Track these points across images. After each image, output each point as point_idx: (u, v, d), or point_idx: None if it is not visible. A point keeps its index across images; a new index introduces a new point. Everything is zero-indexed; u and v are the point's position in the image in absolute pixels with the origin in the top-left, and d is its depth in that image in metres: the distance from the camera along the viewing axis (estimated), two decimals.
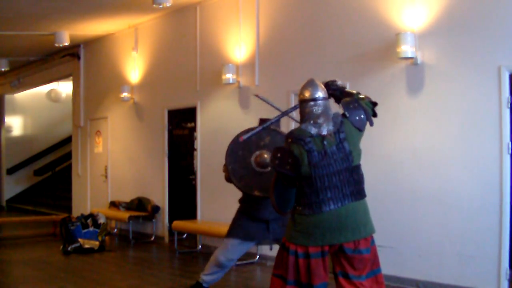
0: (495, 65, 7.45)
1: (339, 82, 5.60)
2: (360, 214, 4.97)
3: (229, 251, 7.25)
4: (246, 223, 7.18)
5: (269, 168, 6.93)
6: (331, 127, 4.95)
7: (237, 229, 7.23)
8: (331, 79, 5.63)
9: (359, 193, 4.99)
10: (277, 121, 6.19)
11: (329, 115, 5.02)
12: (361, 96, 5.33)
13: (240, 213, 7.30)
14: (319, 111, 5.02)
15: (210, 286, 7.47)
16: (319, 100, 5.05)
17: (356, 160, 4.97)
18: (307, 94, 5.08)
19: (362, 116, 5.06)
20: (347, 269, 4.91)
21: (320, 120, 4.98)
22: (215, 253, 7.35)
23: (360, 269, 4.91)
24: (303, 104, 5.11)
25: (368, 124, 5.11)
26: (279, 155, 4.98)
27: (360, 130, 5.04)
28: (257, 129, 5.87)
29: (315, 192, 4.87)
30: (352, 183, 4.93)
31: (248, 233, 7.16)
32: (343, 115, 5.06)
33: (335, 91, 5.52)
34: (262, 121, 6.93)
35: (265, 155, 6.99)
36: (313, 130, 4.94)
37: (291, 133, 5.05)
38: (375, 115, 5.32)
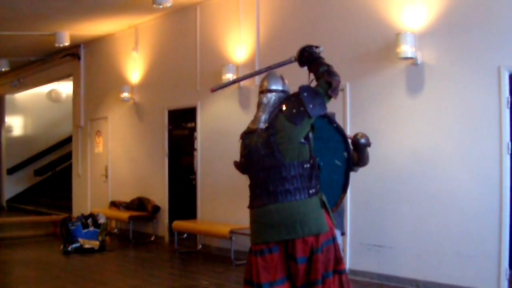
0: (495, 65, 7.45)
1: (314, 49, 5.14)
2: (294, 213, 4.59)
3: None
4: None
5: None
6: (264, 121, 4.82)
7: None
8: (309, 44, 5.24)
9: (294, 192, 4.62)
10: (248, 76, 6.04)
11: (272, 108, 4.87)
12: (322, 71, 4.88)
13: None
14: (264, 102, 4.90)
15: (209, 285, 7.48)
16: (270, 92, 4.91)
17: (290, 157, 4.64)
18: (263, 86, 4.97)
19: (302, 108, 4.66)
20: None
21: (260, 114, 4.88)
22: None
23: (296, 274, 4.63)
24: (258, 95, 5.02)
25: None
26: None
27: (295, 124, 4.66)
28: (228, 82, 5.72)
29: (250, 187, 4.89)
30: (282, 182, 4.62)
31: None
32: (280, 108, 4.80)
33: (307, 59, 5.12)
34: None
35: None
36: (252, 124, 4.91)
37: (244, 131, 5.02)
38: (329, 97, 4.79)
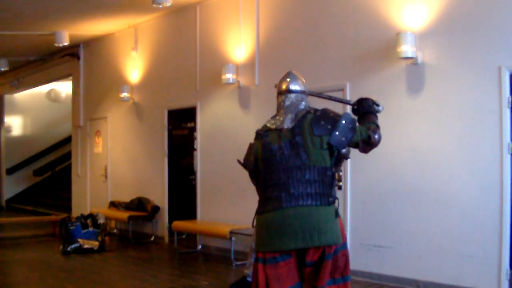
0: (495, 65, 7.44)
1: (375, 106, 5.06)
2: (313, 220, 4.45)
3: None
4: None
5: None
6: (290, 121, 4.70)
7: None
8: (375, 99, 5.11)
9: (315, 197, 4.51)
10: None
11: (297, 108, 4.78)
12: (369, 125, 4.77)
13: None
14: (287, 103, 4.80)
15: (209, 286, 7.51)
16: (291, 92, 4.83)
17: (314, 160, 4.54)
18: (283, 86, 4.88)
19: (329, 127, 4.56)
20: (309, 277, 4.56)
21: (284, 113, 4.77)
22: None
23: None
24: (277, 96, 4.92)
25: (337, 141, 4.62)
26: (247, 150, 4.93)
27: (313, 133, 4.56)
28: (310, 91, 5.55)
29: (264, 189, 4.66)
30: (304, 184, 4.51)
31: None
32: (309, 111, 4.72)
33: (364, 109, 5.05)
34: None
35: None
36: (273, 124, 4.77)
37: (258, 129, 4.89)
38: (356, 146, 4.73)
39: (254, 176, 4.83)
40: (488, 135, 7.51)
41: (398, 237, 8.38)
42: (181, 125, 12.81)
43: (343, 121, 4.59)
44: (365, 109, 5.01)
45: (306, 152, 4.54)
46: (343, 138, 4.57)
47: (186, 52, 12.50)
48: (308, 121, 4.62)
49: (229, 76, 10.94)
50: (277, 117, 4.80)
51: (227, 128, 11.29)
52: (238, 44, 11.11)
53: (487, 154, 7.51)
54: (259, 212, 4.69)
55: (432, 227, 8.00)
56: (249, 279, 7.85)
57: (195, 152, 12.22)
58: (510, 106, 7.35)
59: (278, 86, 4.94)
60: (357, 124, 4.73)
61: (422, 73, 8.22)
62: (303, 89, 4.90)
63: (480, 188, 7.57)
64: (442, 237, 7.92)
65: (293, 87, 4.85)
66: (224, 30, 11.50)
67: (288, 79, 4.89)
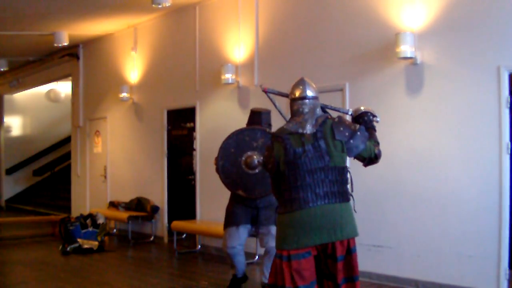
0: (494, 65, 7.44)
1: (372, 117, 5.45)
2: (336, 216, 4.81)
3: (228, 240, 7.62)
4: (235, 210, 7.61)
5: (257, 170, 7.14)
6: (311, 126, 4.97)
7: (228, 218, 7.66)
8: (372, 111, 5.52)
9: (337, 195, 4.86)
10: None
11: (315, 114, 5.05)
12: (375, 144, 5.19)
13: (230, 202, 7.57)
14: (306, 109, 5.05)
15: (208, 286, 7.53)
16: (307, 99, 5.09)
17: (335, 161, 4.88)
18: (297, 93, 5.13)
19: (347, 134, 4.96)
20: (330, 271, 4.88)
21: (303, 119, 5.01)
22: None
23: (336, 273, 4.84)
24: (292, 102, 5.15)
25: (347, 149, 4.98)
26: (266, 153, 5.16)
27: (333, 137, 4.91)
28: (283, 94, 5.69)
29: (289, 190, 4.87)
30: (328, 184, 4.84)
31: (240, 217, 7.42)
32: (327, 117, 5.06)
33: (362, 122, 5.40)
34: (252, 112, 7.59)
35: (255, 157, 7.17)
36: (293, 128, 4.99)
37: (274, 132, 5.14)
38: (362, 159, 5.19)
39: (275, 178, 5.08)
40: (487, 135, 7.51)
41: (398, 237, 8.38)
42: (181, 125, 12.82)
43: (359, 133, 5.00)
44: (367, 125, 5.33)
45: (329, 155, 4.86)
46: (355, 148, 5.00)
47: (185, 52, 12.51)
48: (328, 126, 4.95)
49: (228, 76, 10.94)
50: (297, 122, 5.02)
51: (227, 128, 11.22)
52: (238, 44, 11.12)
53: (486, 154, 7.52)
54: (283, 212, 4.92)
55: (432, 227, 8.01)
56: (238, 275, 7.91)
57: (194, 152, 12.22)
58: (509, 106, 7.35)
59: (291, 92, 5.20)
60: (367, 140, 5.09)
61: (421, 73, 8.23)
62: (316, 95, 5.16)
63: (479, 188, 7.58)
64: (442, 237, 7.92)
65: (309, 93, 5.11)
66: (224, 30, 11.51)
67: (302, 86, 5.18)
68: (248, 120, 7.97)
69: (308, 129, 4.95)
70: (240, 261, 7.78)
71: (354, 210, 5.01)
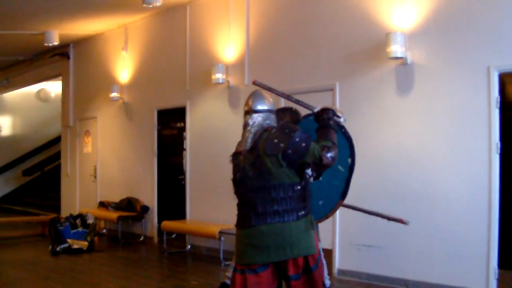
0: (484, 65, 7.47)
1: (335, 117, 4.84)
2: (285, 235, 4.48)
3: None
4: None
5: None
6: (250, 142, 4.62)
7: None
8: (337, 109, 4.94)
9: (285, 214, 4.50)
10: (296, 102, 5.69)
11: (260, 129, 4.66)
12: (324, 144, 4.54)
13: None
14: (250, 124, 4.68)
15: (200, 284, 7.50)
16: (255, 112, 4.68)
17: (279, 178, 4.49)
18: (245, 107, 4.77)
19: (282, 145, 4.42)
20: None
21: (247, 134, 4.66)
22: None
23: None
24: (243, 117, 4.79)
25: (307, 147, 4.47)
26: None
27: (266, 153, 4.48)
28: (277, 91, 5.39)
29: (238, 207, 4.80)
30: (271, 203, 4.50)
31: None
32: (266, 129, 4.63)
33: (324, 120, 4.82)
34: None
35: None
36: (239, 146, 4.74)
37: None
38: (307, 165, 4.59)
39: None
40: (477, 135, 7.53)
41: (387, 237, 8.39)
42: (171, 125, 12.80)
43: (296, 139, 4.45)
44: (324, 122, 4.81)
45: (268, 172, 4.49)
46: (296, 157, 4.46)
47: (176, 52, 12.49)
48: (263, 140, 4.54)
49: (218, 76, 10.93)
50: (243, 138, 4.70)
51: (217, 128, 11.28)
52: (228, 44, 11.11)
53: (476, 154, 7.54)
54: (236, 226, 4.82)
55: (421, 226, 8.02)
56: (227, 281, 7.83)
57: (184, 152, 12.21)
58: (498, 106, 7.37)
59: (245, 104, 4.82)
60: (311, 141, 4.51)
61: (412, 73, 8.24)
62: (268, 107, 4.74)
63: (469, 187, 7.60)
64: (431, 236, 7.94)
65: (258, 106, 4.70)
66: (214, 30, 11.50)
67: (251, 99, 4.75)
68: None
69: (247, 145, 4.62)
70: None
71: (310, 226, 4.56)
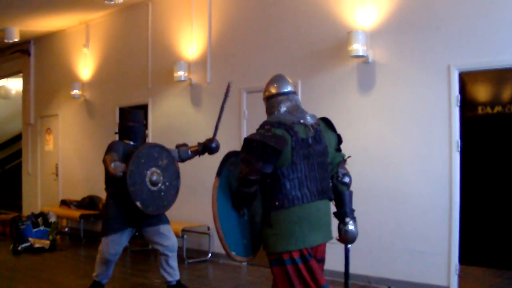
0: (444, 64, 7.56)
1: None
2: (329, 214, 4.61)
3: (111, 247, 7.32)
4: (117, 214, 7.22)
5: (156, 188, 6.92)
6: (310, 119, 4.66)
7: (110, 224, 7.27)
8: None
9: (329, 192, 4.68)
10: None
11: (303, 109, 4.75)
12: None
13: (110, 206, 7.27)
14: (294, 103, 4.72)
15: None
16: (291, 94, 4.77)
17: (329, 158, 4.77)
18: (276, 90, 4.77)
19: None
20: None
21: (298, 112, 4.67)
22: (99, 252, 7.54)
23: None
24: (271, 100, 4.76)
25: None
26: (254, 144, 4.40)
27: (330, 135, 4.86)
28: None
29: (293, 181, 4.44)
30: (326, 179, 4.67)
31: (122, 222, 7.21)
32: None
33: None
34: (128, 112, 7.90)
35: (157, 174, 6.95)
36: (295, 118, 4.61)
37: (268, 121, 4.63)
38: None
39: (270, 169, 4.45)
40: (437, 133, 7.63)
41: None
42: None
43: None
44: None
45: (328, 150, 4.75)
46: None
47: (138, 49, 12.44)
48: (323, 122, 4.83)
49: (181, 73, 10.92)
50: (293, 114, 4.66)
51: (179, 125, 11.26)
52: (190, 42, 11.09)
53: (437, 152, 7.63)
54: (284, 206, 4.44)
55: (384, 223, 8.10)
56: (103, 281, 7.80)
57: None
58: (459, 104, 7.47)
59: (266, 90, 4.87)
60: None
61: (373, 72, 8.31)
62: (294, 89, 4.91)
63: (430, 185, 7.69)
64: (393, 233, 8.02)
65: (289, 88, 4.83)
66: (176, 27, 11.47)
67: (280, 82, 4.85)
68: (126, 118, 7.95)
69: (310, 121, 4.64)
70: (112, 267, 7.68)
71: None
